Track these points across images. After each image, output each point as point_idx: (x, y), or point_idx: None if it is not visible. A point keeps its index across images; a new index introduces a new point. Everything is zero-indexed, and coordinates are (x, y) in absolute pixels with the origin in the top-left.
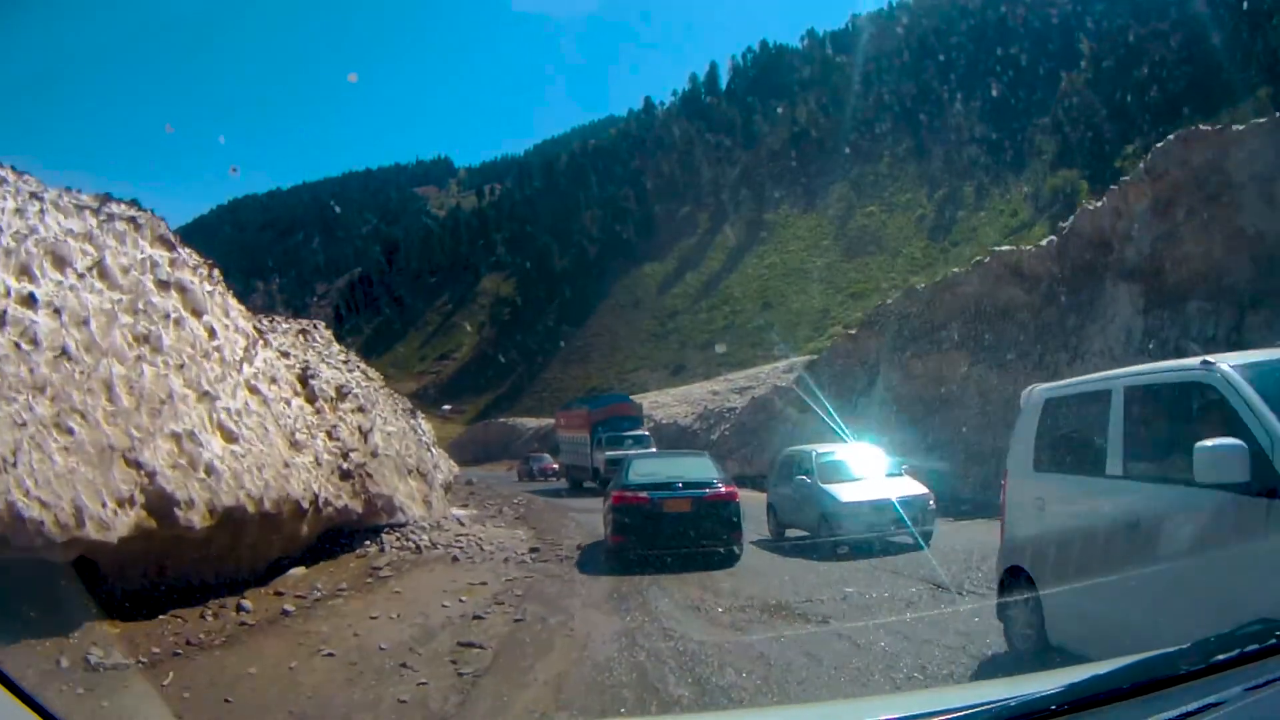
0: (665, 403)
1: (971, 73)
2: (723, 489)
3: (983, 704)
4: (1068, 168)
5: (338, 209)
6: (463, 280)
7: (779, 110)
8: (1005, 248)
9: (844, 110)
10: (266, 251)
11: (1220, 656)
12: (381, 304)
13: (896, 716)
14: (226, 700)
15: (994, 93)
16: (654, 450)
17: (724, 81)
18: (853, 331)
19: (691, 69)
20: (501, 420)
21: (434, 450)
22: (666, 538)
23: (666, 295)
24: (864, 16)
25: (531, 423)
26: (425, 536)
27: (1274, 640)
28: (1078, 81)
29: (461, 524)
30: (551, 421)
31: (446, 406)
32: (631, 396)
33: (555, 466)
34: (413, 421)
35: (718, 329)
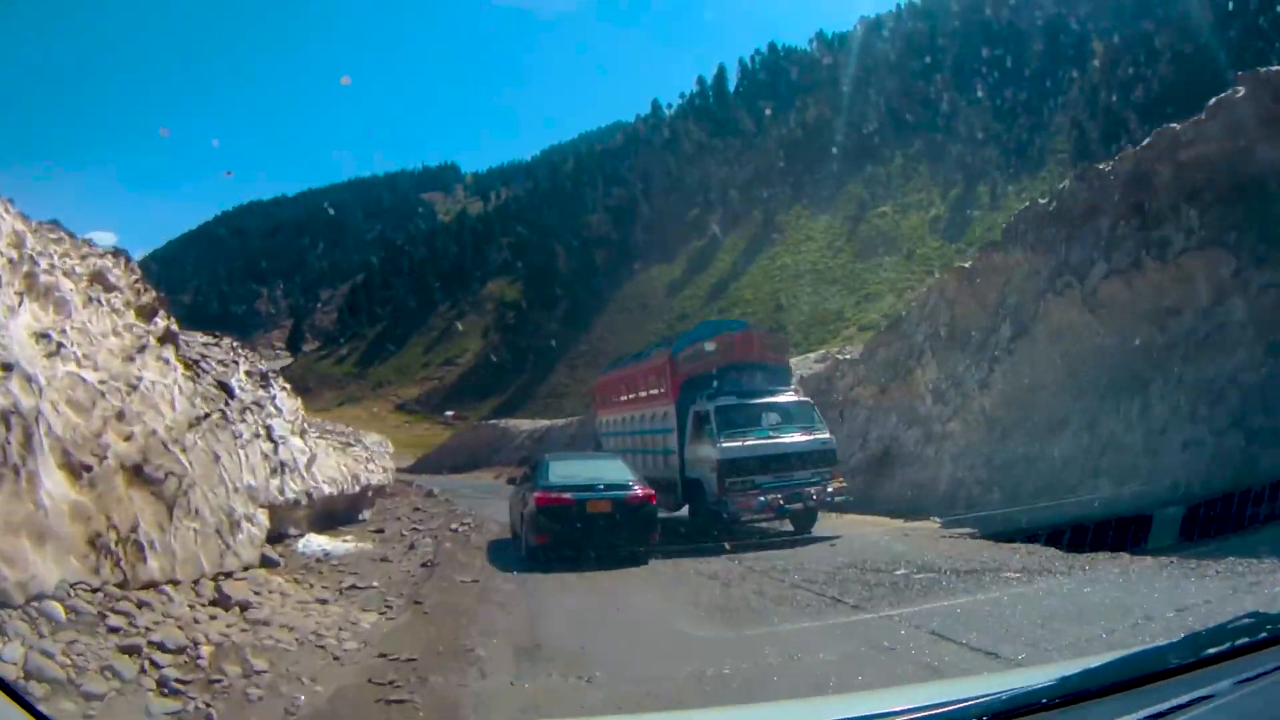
0: None
1: (982, 72)
2: (640, 491)
3: (973, 698)
4: (1086, 162)
5: (331, 210)
6: (467, 285)
7: (789, 112)
8: None
9: (854, 111)
10: (270, 258)
11: (1211, 650)
12: (385, 309)
13: (883, 711)
14: None
15: (1006, 92)
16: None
17: (732, 84)
18: (966, 265)
19: (699, 72)
20: (492, 423)
21: (295, 447)
22: (589, 538)
23: (676, 298)
24: (872, 18)
25: (525, 425)
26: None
27: (1264, 634)
28: (1091, 78)
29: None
30: (548, 424)
31: (449, 412)
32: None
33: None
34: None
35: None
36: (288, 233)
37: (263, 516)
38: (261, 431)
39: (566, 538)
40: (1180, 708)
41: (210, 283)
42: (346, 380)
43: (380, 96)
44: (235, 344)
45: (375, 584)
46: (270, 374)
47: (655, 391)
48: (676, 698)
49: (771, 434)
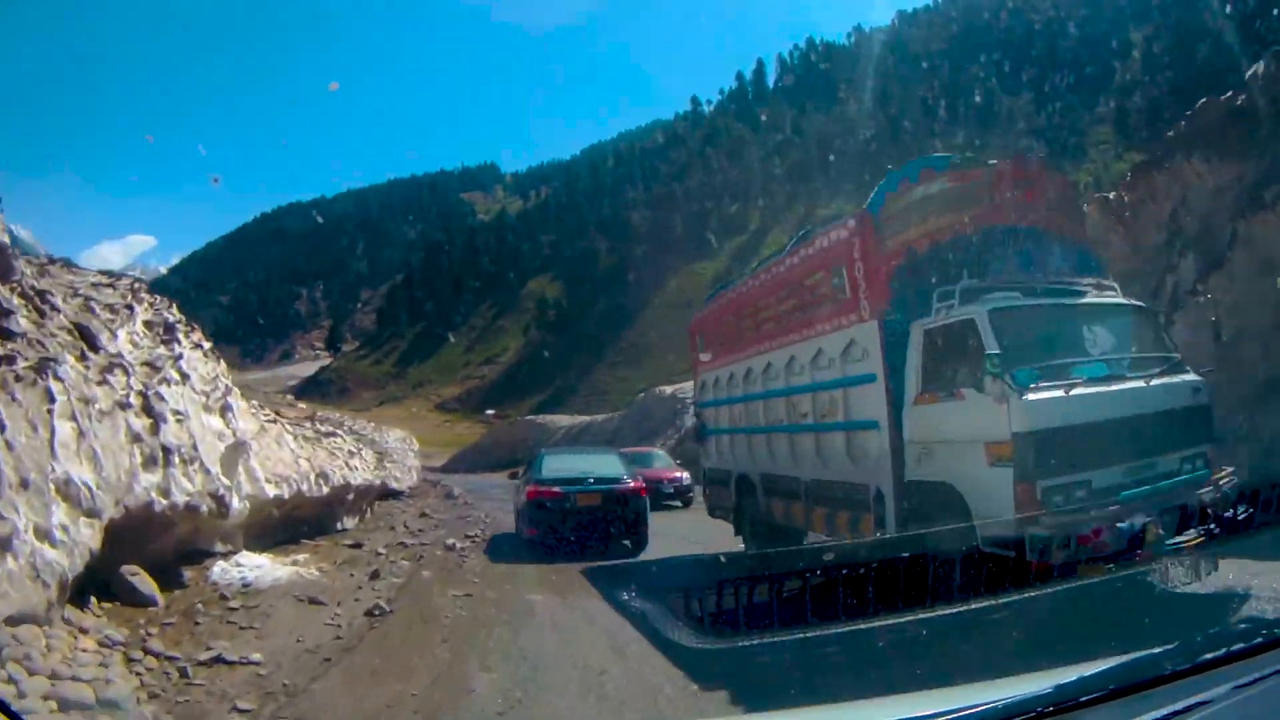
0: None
1: (1021, 63)
2: (630, 484)
3: (968, 707)
4: (1134, 150)
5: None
6: (507, 284)
7: (828, 105)
8: None
9: (894, 103)
10: (310, 259)
11: (1207, 655)
12: (425, 309)
13: None
14: None
15: (1045, 81)
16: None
17: (772, 79)
18: (1109, 195)
19: (738, 69)
20: (529, 419)
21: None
22: (578, 529)
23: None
24: (910, 11)
25: (564, 421)
26: None
27: (1260, 639)
28: (1132, 64)
29: None
30: (588, 419)
31: (489, 411)
32: (678, 387)
33: (679, 477)
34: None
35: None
36: (327, 234)
37: (89, 530)
38: (134, 401)
39: (556, 530)
40: (1178, 713)
41: (249, 284)
42: (386, 380)
43: (420, 98)
44: (138, 286)
45: (257, 658)
46: (180, 326)
47: (828, 304)
48: None
49: (1112, 375)
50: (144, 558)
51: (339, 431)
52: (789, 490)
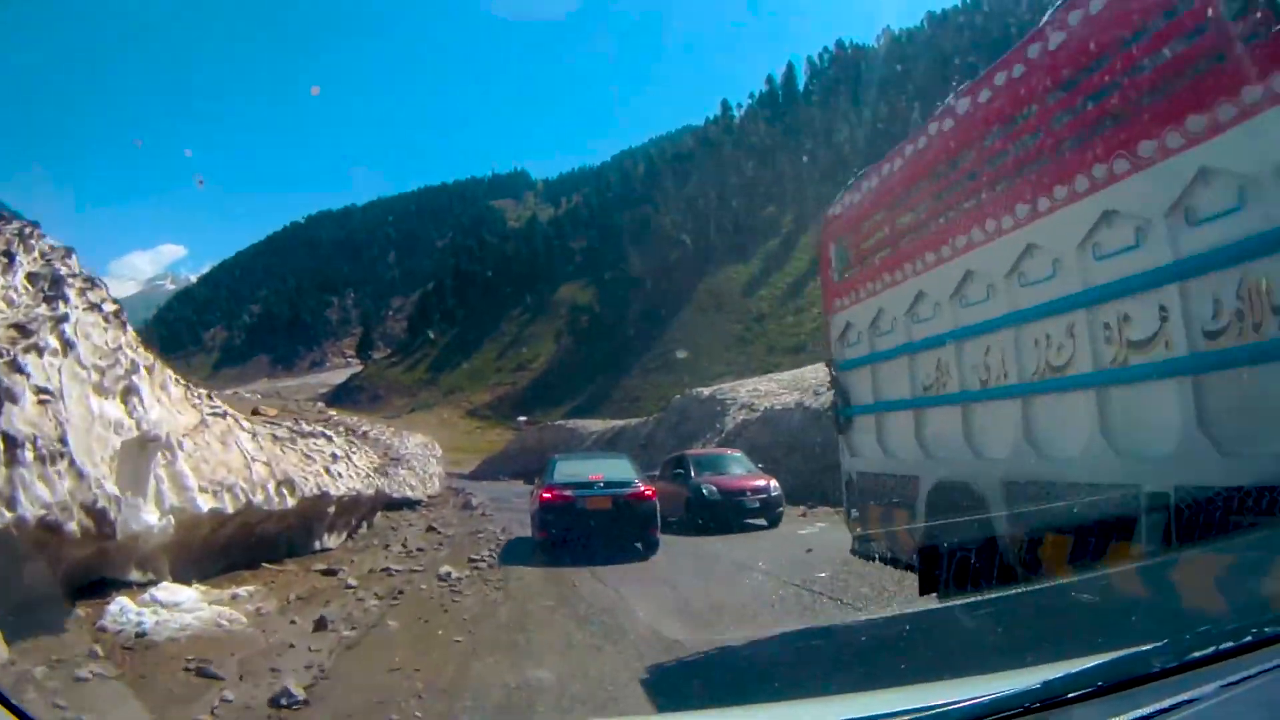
0: (770, 390)
1: None
2: (641, 488)
3: (955, 702)
4: None
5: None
6: (539, 290)
7: (859, 107)
8: None
9: (925, 105)
10: (341, 267)
11: (1196, 654)
12: (457, 316)
13: (864, 715)
14: None
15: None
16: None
17: (801, 82)
18: None
19: (765, 74)
20: (559, 424)
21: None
22: (589, 533)
23: (752, 297)
24: (939, 12)
25: (595, 426)
26: None
27: (1249, 637)
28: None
29: None
30: (620, 424)
31: (522, 418)
32: (716, 387)
33: (765, 486)
34: None
35: (807, 331)
36: (358, 242)
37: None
38: None
39: (568, 533)
40: (1165, 712)
41: (280, 292)
42: (418, 387)
43: (451, 105)
44: (30, 232)
45: None
46: (73, 280)
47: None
48: None
49: None
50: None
51: (326, 432)
52: (1087, 515)
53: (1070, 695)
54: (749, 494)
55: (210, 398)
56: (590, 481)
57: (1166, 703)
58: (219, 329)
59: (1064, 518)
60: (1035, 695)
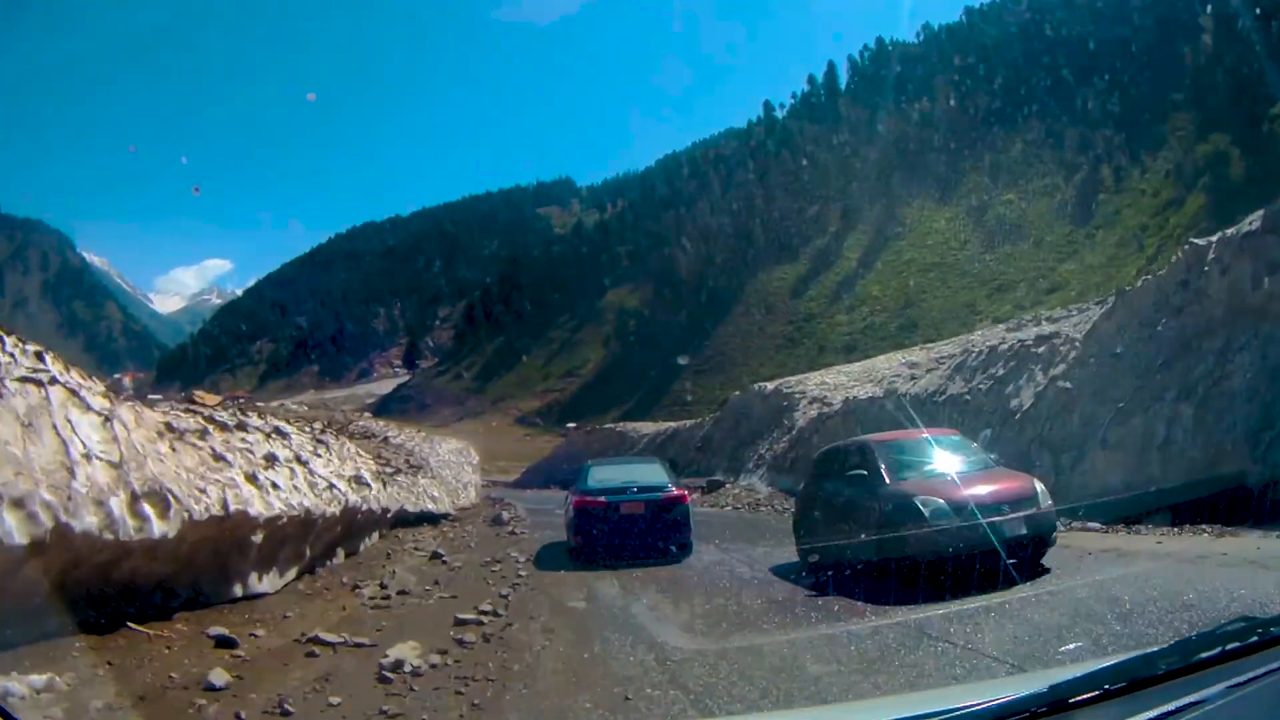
0: (840, 383)
1: (1093, 54)
2: (674, 491)
3: (963, 706)
4: (1218, 132)
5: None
6: (586, 296)
7: (902, 105)
8: None
9: (968, 101)
10: (387, 278)
11: (1201, 655)
12: (503, 324)
13: None
14: None
15: (1120, 73)
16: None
17: (843, 81)
18: None
19: (805, 76)
20: (608, 427)
21: None
22: (623, 537)
23: (800, 299)
24: (978, 7)
25: (647, 428)
26: None
27: (1255, 638)
28: (1202, 52)
29: None
30: (674, 425)
31: (570, 425)
32: (781, 381)
33: (1025, 494)
34: None
35: (857, 331)
36: (403, 253)
37: None
38: None
39: (602, 538)
40: (1172, 713)
41: (326, 304)
42: (465, 396)
43: (493, 114)
44: None
45: None
46: None
47: None
48: None
49: None
50: None
51: (280, 426)
52: None
53: (1077, 698)
54: (1007, 510)
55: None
56: (624, 486)
57: (1173, 705)
58: (265, 342)
59: None
60: (1042, 699)
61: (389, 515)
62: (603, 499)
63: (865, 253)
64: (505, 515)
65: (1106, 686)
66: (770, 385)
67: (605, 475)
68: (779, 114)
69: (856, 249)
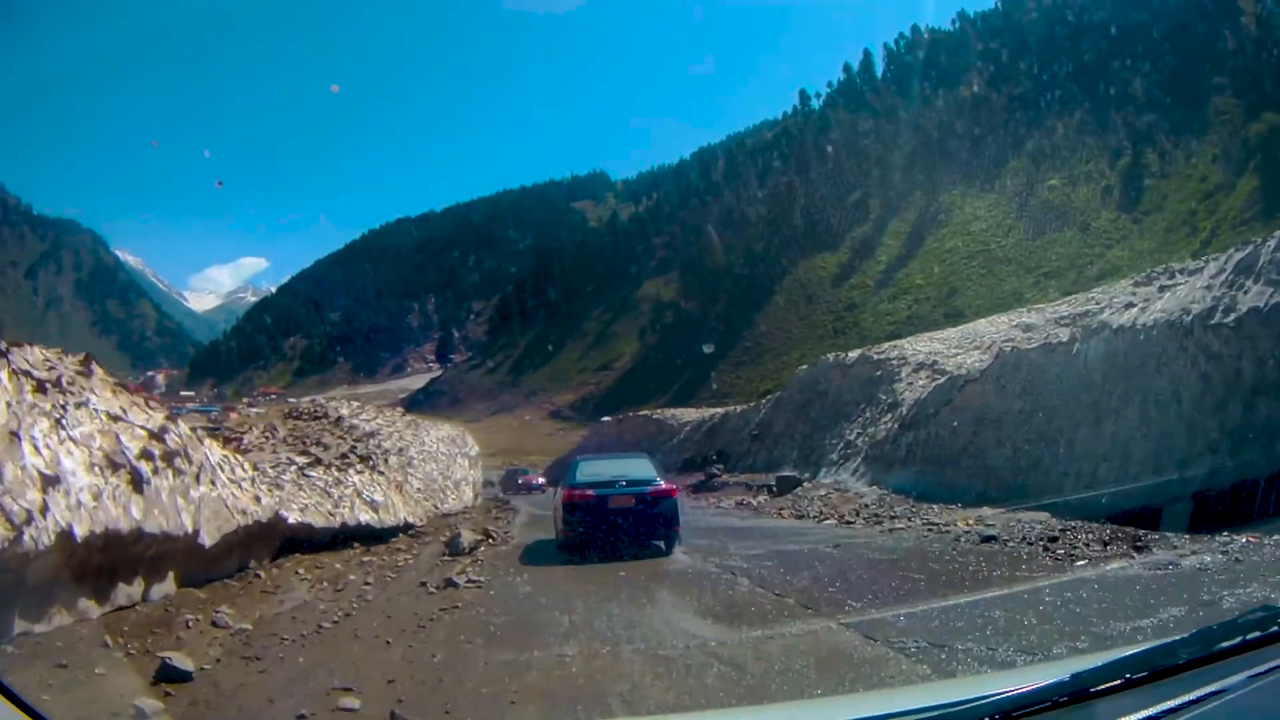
0: (939, 350)
1: (1128, 36)
2: (663, 485)
3: (985, 696)
4: (1272, 111)
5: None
6: (621, 288)
7: (940, 91)
8: None
9: (1007, 86)
10: (421, 273)
11: (1222, 645)
12: (537, 317)
13: (894, 711)
14: None
15: (1162, 57)
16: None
17: (879, 69)
18: None
19: (839, 66)
20: (644, 414)
21: None
22: (611, 530)
23: (842, 287)
24: None
25: (689, 415)
26: None
27: (1276, 628)
28: (1247, 34)
29: None
30: (721, 411)
31: (606, 418)
32: (869, 349)
33: None
34: None
35: (900, 320)
36: (437, 248)
37: None
38: None
39: (591, 532)
40: (1194, 703)
41: (360, 299)
42: (499, 390)
43: (527, 110)
44: None
45: None
46: None
47: None
48: None
49: None
50: None
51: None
52: None
53: (1099, 688)
54: None
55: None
56: (612, 480)
57: (1195, 694)
58: (298, 338)
59: None
60: (1064, 688)
61: (240, 531)
62: (591, 493)
63: (907, 241)
64: (465, 543)
65: (1128, 675)
66: (852, 354)
67: (594, 470)
68: (815, 103)
69: (898, 237)
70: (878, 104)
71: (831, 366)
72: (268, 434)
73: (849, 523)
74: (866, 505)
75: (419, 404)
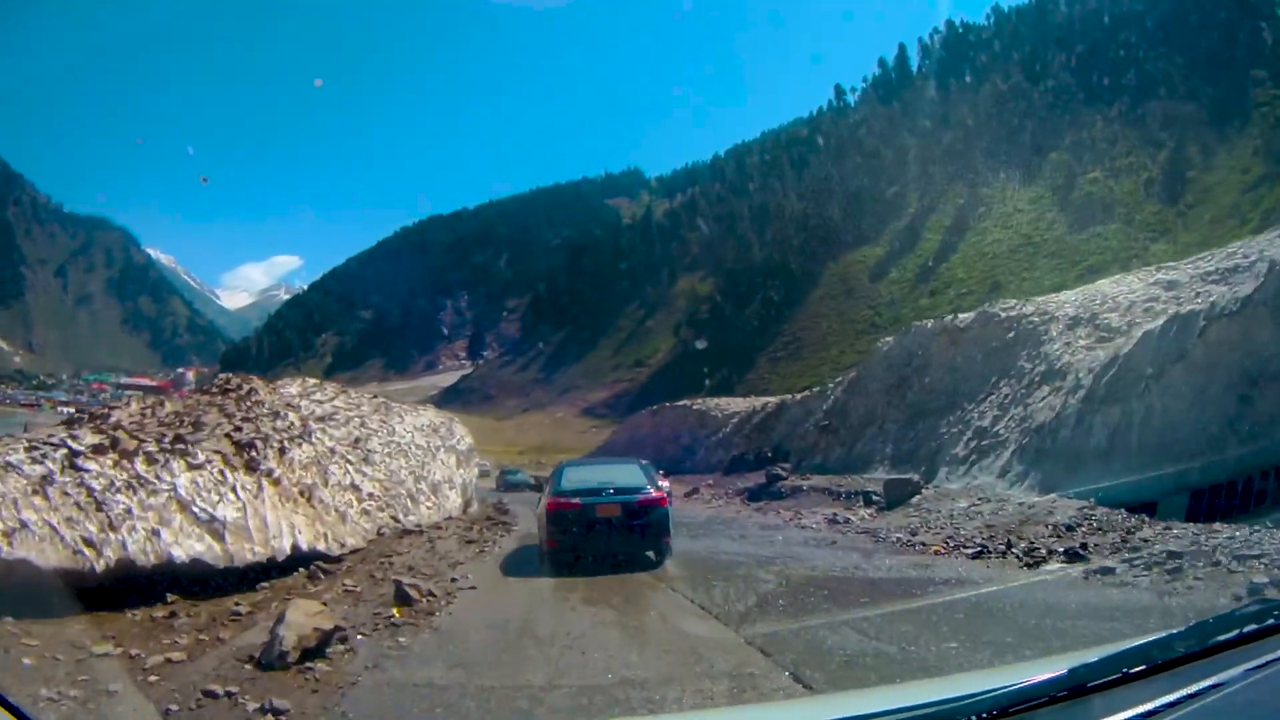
0: (1070, 314)
1: (1168, 29)
2: (653, 493)
3: (986, 691)
4: None
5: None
6: (656, 283)
7: (978, 85)
8: None
9: (1044, 79)
10: (454, 270)
11: (1220, 638)
12: (571, 313)
13: (891, 708)
14: None
15: (1199, 48)
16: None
17: (914, 63)
18: None
19: (875, 58)
20: (682, 404)
21: None
22: (597, 540)
23: (882, 281)
24: None
25: (737, 405)
26: None
27: (1272, 620)
28: None
29: None
30: (775, 400)
31: (641, 411)
32: (1000, 304)
33: None
34: None
35: (944, 313)
36: (470, 245)
37: None
38: None
39: (576, 542)
40: (1192, 696)
41: (393, 296)
42: (531, 387)
43: (563, 106)
44: None
45: None
46: None
47: None
48: None
49: None
50: None
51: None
52: None
53: (1097, 682)
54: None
55: None
56: (599, 488)
57: (1193, 687)
58: (330, 335)
59: None
60: (1062, 683)
61: None
62: (577, 501)
63: (946, 234)
64: (421, 591)
65: (1126, 670)
66: (963, 315)
67: (581, 476)
68: (850, 98)
69: (937, 231)
70: (913, 98)
71: (933, 334)
72: (148, 412)
73: (1107, 570)
74: (1065, 527)
75: (450, 401)
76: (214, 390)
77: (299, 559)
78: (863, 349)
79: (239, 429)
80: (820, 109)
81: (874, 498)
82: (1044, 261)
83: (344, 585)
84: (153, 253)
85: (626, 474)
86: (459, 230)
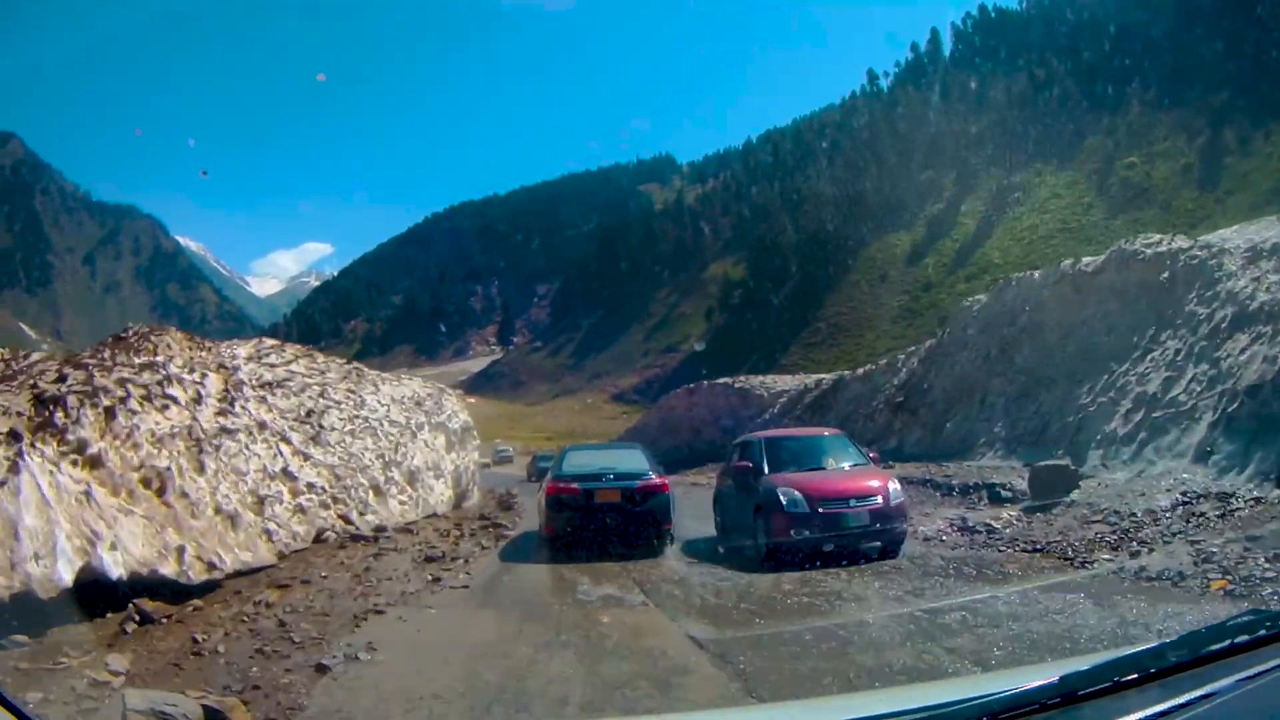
0: (1241, 245)
1: (1205, 12)
2: (654, 479)
3: (974, 698)
4: None
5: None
6: (688, 268)
7: (1012, 69)
8: None
9: (1080, 63)
10: (484, 256)
11: (1211, 648)
12: (602, 298)
13: (879, 713)
14: None
15: (1236, 32)
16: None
17: (947, 48)
18: None
19: (908, 43)
20: (723, 382)
21: None
22: (597, 527)
23: (916, 266)
24: None
25: (784, 383)
26: None
27: (1264, 631)
28: None
29: None
30: (834, 377)
31: (677, 390)
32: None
33: None
34: None
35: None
36: (501, 231)
37: None
38: None
39: (575, 528)
40: (1182, 706)
41: (423, 282)
42: (561, 373)
43: (594, 92)
44: None
45: None
46: None
47: None
48: None
49: None
50: None
51: None
52: None
53: (1088, 690)
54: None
55: None
56: (600, 473)
57: (1184, 698)
58: (359, 321)
59: None
60: (1052, 690)
61: None
62: (576, 486)
63: (983, 219)
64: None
65: (1117, 679)
66: (1087, 260)
67: (581, 461)
68: (883, 83)
69: (973, 216)
70: (947, 82)
71: (1045, 283)
72: None
73: None
74: None
75: (479, 386)
76: (109, 341)
77: (117, 589)
78: (899, 335)
79: (62, 379)
80: (853, 93)
81: (1002, 493)
82: (1081, 247)
83: (144, 654)
84: (182, 240)
85: (629, 459)
86: (490, 216)
